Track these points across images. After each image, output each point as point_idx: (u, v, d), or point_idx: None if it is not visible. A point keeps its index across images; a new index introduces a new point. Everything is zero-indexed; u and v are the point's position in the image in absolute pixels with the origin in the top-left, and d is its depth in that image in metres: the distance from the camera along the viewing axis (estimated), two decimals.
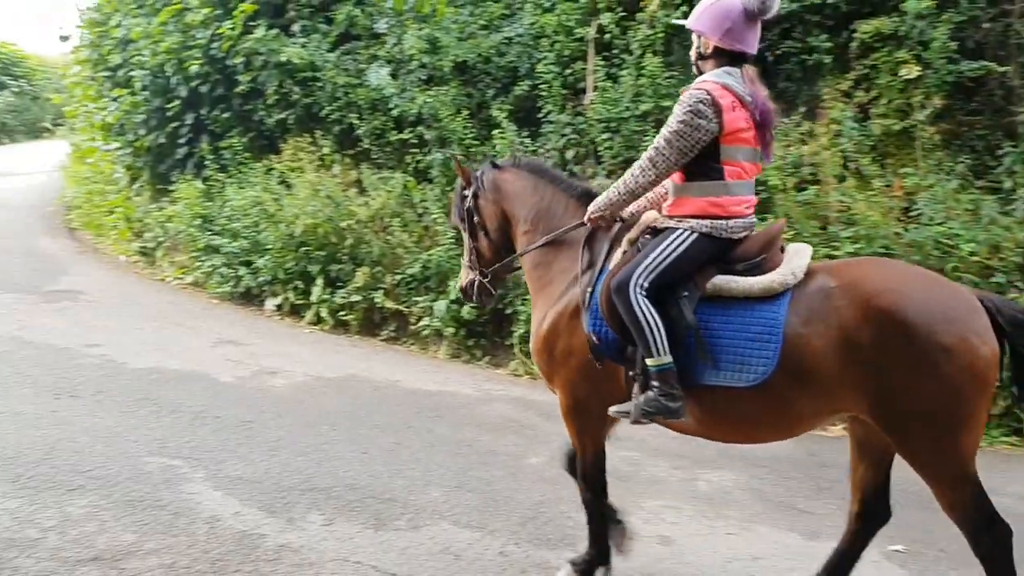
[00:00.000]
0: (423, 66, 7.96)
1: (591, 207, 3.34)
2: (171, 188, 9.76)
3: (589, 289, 3.25)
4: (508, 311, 6.62)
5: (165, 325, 7.23)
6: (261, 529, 3.86)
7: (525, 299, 6.41)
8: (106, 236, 10.76)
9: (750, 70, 3.13)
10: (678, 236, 3.08)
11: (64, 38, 11.95)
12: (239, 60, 8.82)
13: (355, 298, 7.39)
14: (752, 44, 3.12)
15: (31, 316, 7.21)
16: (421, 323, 7.01)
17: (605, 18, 7.21)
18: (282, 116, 8.86)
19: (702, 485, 4.62)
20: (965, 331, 2.73)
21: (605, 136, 6.86)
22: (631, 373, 3.14)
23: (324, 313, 7.54)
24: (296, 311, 7.85)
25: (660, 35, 7.04)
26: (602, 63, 7.18)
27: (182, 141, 9.79)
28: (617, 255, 3.27)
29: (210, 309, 8.02)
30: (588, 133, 7.03)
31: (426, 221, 7.46)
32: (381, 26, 8.20)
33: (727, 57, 3.12)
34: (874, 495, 3.15)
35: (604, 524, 3.49)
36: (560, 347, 3.36)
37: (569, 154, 7.06)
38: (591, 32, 7.36)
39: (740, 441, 3.38)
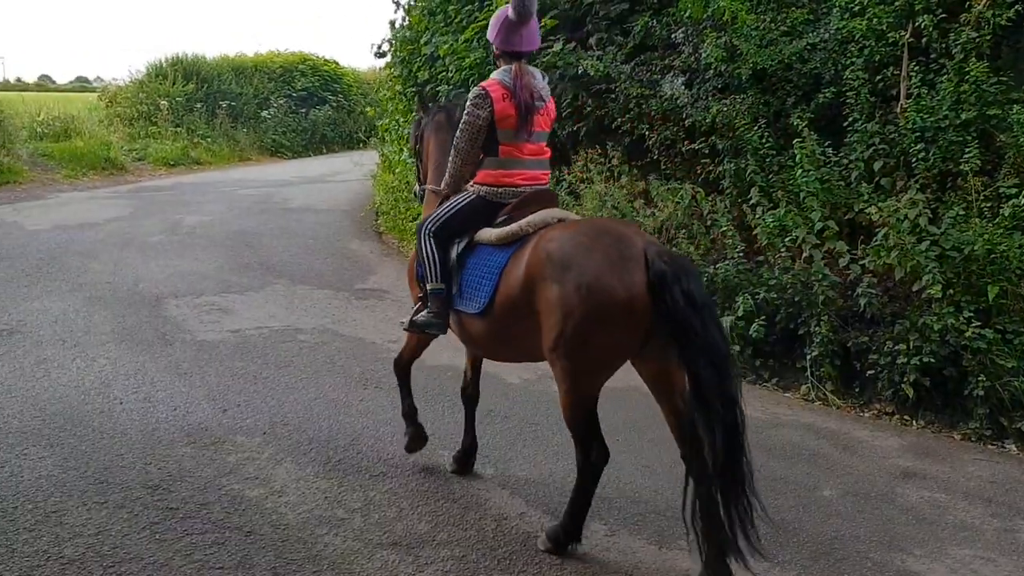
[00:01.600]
0: (720, 75, 7.77)
1: (442, 183, 4.27)
2: None
3: None
4: (800, 332, 6.26)
5: None
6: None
7: (822, 319, 6.03)
8: (409, 241, 11.51)
9: (516, 66, 3.96)
10: (463, 196, 4.09)
11: (381, 54, 12.91)
12: None
13: None
14: (521, 43, 3.98)
15: (343, 311, 7.88)
16: None
17: (922, 20, 6.63)
18: (574, 128, 9.03)
19: None
20: (603, 276, 3.32)
21: (919, 147, 6.29)
22: (420, 294, 4.24)
23: None
24: None
25: (987, 37, 6.36)
26: (917, 68, 6.60)
27: None
28: None
29: None
30: (899, 143, 6.49)
31: (714, 233, 7.25)
32: (678, 36, 8.11)
33: (508, 57, 4.01)
34: (683, 430, 3.49)
35: (414, 414, 4.60)
36: (414, 274, 4.38)
37: (876, 165, 6.55)
38: (906, 36, 6.80)
39: (489, 356, 4.24)
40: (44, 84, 57.61)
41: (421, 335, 4.31)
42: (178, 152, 20.04)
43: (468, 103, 3.95)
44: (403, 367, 4.63)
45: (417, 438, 4.59)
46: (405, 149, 12.48)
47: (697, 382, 3.24)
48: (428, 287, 4.06)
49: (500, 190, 3.99)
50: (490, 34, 4.07)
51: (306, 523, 3.89)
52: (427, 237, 4.06)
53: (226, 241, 11.03)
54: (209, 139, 21.86)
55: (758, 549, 3.24)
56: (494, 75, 3.99)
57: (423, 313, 4.12)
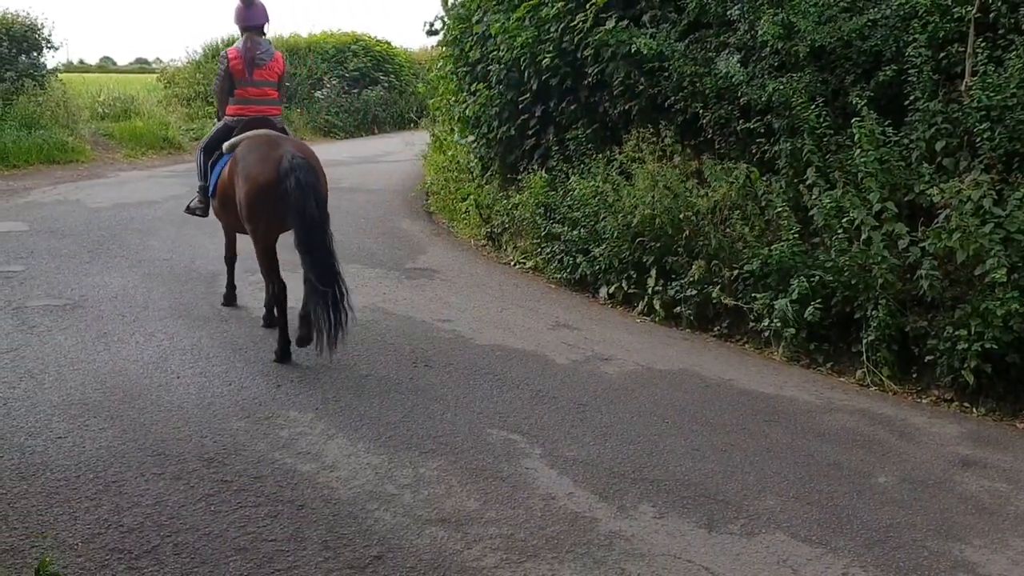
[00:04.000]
0: (776, 52, 7.59)
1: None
2: (518, 177, 10.23)
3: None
4: (856, 315, 6.13)
5: (507, 306, 7.60)
6: (594, 513, 3.90)
7: (879, 303, 5.91)
8: (459, 221, 11.53)
9: (247, 36, 6.27)
10: (220, 124, 6.39)
11: (432, 32, 12.81)
12: (589, 52, 9.01)
13: (689, 292, 7.25)
14: (249, 20, 6.32)
15: (393, 290, 7.92)
16: (759, 322, 6.70)
17: None
18: (626, 107, 8.92)
19: None
20: (252, 171, 5.53)
21: (984, 126, 6.09)
22: (198, 189, 6.63)
23: (656, 304, 7.49)
24: (628, 300, 7.87)
25: None
26: (984, 44, 6.38)
27: (530, 133, 10.22)
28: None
29: (548, 293, 8.31)
30: (963, 123, 6.28)
31: (769, 214, 7.12)
32: (733, 12, 7.94)
33: (244, 30, 6.31)
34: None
35: (233, 287, 6.97)
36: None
37: (939, 145, 6.35)
38: (972, 11, 6.57)
39: (237, 230, 6.35)
40: (105, 66, 58.66)
41: (227, 238, 6.78)
42: None
43: (219, 62, 6.33)
44: (229, 260, 6.86)
45: (230, 299, 6.94)
46: (456, 129, 12.49)
47: (296, 235, 5.40)
48: (199, 184, 6.51)
49: (235, 119, 6.23)
50: (233, 18, 6.33)
51: (357, 498, 3.94)
52: (199, 151, 6.52)
53: None
54: None
55: (337, 344, 5.38)
56: (235, 43, 6.29)
57: (194, 201, 6.74)
